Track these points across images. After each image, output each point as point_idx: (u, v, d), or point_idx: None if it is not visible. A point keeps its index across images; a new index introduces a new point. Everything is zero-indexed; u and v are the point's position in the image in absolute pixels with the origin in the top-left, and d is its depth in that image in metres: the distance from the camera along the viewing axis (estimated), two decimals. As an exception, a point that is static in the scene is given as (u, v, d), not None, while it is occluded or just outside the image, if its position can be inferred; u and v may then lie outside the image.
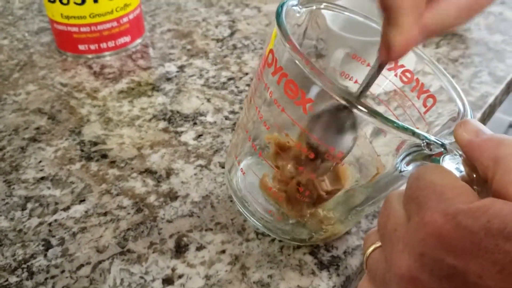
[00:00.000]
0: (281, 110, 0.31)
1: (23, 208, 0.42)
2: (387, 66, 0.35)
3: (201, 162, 0.47)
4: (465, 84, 0.58)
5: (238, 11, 0.75)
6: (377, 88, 0.39)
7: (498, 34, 0.68)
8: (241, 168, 0.39)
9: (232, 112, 0.54)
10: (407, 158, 0.29)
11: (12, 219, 0.41)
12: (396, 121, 0.27)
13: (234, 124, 0.52)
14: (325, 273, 0.37)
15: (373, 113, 0.27)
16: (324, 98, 0.29)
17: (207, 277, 0.36)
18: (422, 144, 0.27)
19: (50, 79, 0.60)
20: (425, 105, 0.35)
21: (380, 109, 0.38)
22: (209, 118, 0.53)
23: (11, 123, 0.52)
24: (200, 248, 0.39)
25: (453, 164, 0.26)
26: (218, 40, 0.67)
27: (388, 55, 0.29)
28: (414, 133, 0.27)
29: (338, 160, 0.32)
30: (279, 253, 0.38)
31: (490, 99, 0.56)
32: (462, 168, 0.26)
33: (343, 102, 0.27)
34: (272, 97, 0.32)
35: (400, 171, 0.29)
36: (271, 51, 0.32)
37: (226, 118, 0.53)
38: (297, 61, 0.29)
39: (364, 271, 0.30)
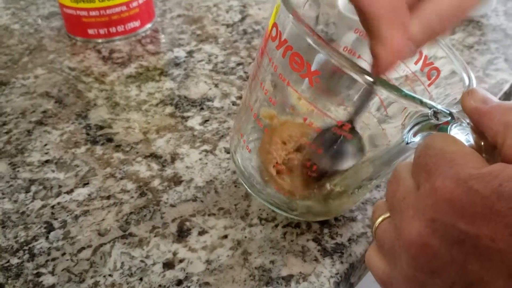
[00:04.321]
0: (287, 84, 0.31)
1: (27, 191, 0.42)
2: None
3: (206, 147, 0.46)
4: (480, 71, 0.56)
5: (250, -3, 0.74)
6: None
7: (516, 21, 0.66)
8: (247, 146, 0.38)
9: (240, 97, 0.53)
10: (414, 129, 0.28)
11: (15, 201, 0.41)
12: (404, 90, 0.26)
13: (242, 109, 0.51)
14: (328, 260, 0.36)
15: (379, 81, 0.26)
16: (330, 69, 0.28)
17: (208, 262, 0.36)
18: (430, 114, 0.27)
19: (58, 63, 0.59)
20: (429, 78, 0.34)
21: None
22: (216, 103, 0.52)
23: (18, 107, 0.52)
24: (202, 232, 0.38)
25: (460, 133, 0.26)
26: (228, 25, 0.66)
27: (376, 69, 0.28)
28: (421, 102, 0.26)
29: (345, 133, 0.31)
30: (282, 239, 0.38)
31: (506, 87, 0.54)
32: (470, 137, 0.25)
33: (350, 69, 0.27)
34: (277, 72, 0.31)
35: (407, 143, 0.29)
36: (274, 24, 0.31)
37: (234, 103, 0.52)
38: (301, 31, 0.28)
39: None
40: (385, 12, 0.26)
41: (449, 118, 0.27)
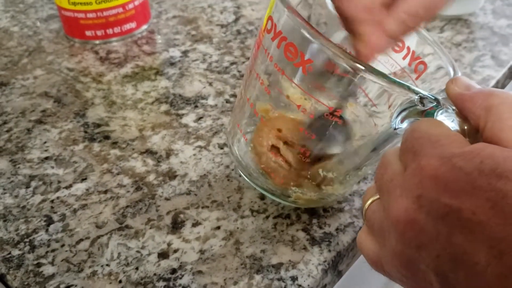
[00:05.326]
0: (282, 73, 0.33)
1: (27, 186, 0.44)
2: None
3: (200, 143, 0.48)
4: (467, 68, 0.58)
5: (244, -2, 0.76)
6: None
7: (503, 19, 0.68)
8: (244, 135, 0.40)
9: (233, 95, 0.54)
10: (402, 115, 0.30)
11: (16, 196, 0.43)
12: (392, 77, 0.28)
13: (235, 107, 0.53)
14: (316, 249, 0.37)
15: (369, 68, 0.28)
16: (322, 57, 0.30)
17: (202, 252, 0.37)
18: (416, 99, 0.28)
19: (57, 64, 0.61)
20: (416, 71, 0.36)
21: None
22: (210, 101, 0.54)
23: (18, 106, 0.54)
24: (196, 224, 0.40)
25: (446, 119, 0.27)
26: (222, 26, 0.68)
27: None
28: (409, 88, 0.28)
29: (337, 118, 0.33)
30: (272, 229, 0.39)
31: (492, 83, 0.56)
32: (455, 122, 0.27)
33: (342, 57, 0.28)
34: (273, 62, 0.33)
35: (395, 129, 0.30)
36: (270, 17, 0.33)
37: (227, 101, 0.54)
38: (295, 23, 0.30)
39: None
40: (362, 13, 0.28)
41: (435, 103, 0.28)
